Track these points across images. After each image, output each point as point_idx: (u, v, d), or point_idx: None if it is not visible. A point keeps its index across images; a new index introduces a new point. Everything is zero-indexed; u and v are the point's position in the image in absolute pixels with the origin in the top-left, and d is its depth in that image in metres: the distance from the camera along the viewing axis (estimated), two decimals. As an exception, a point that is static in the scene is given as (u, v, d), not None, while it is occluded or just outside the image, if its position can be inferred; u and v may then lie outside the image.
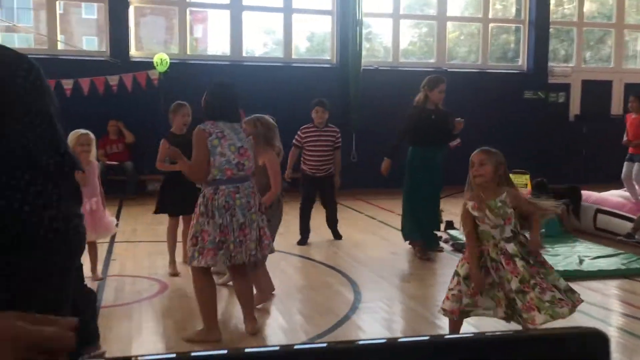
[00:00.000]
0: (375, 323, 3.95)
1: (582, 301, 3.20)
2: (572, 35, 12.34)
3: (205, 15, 12.88)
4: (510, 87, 11.51)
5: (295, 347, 0.57)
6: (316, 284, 4.78)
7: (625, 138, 7.20)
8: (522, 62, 11.90)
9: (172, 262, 5.00)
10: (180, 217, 5.06)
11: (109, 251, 5.72)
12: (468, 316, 3.28)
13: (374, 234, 6.85)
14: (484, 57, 11.75)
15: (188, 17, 10.50)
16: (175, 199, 4.94)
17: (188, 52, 10.48)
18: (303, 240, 6.24)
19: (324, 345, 0.57)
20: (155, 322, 3.96)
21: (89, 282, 4.65)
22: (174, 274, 4.92)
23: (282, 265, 5.34)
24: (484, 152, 3.28)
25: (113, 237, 5.89)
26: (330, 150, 6.20)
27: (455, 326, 3.32)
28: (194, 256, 3.44)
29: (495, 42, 12.17)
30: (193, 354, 0.56)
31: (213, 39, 12.45)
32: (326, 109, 6.26)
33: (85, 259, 4.81)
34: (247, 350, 0.55)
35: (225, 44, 10.83)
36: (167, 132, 5.24)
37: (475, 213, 3.20)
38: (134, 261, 5.38)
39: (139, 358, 0.56)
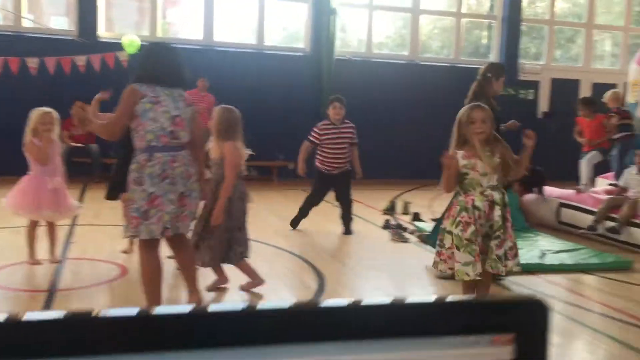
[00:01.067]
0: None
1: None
2: (543, 33, 12.48)
3: (179, -2, 12.65)
4: (481, 82, 11.59)
5: (258, 307, 0.55)
6: (280, 273, 4.74)
7: (581, 138, 7.53)
8: (493, 58, 11.98)
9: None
10: None
11: (69, 234, 5.59)
12: (453, 276, 3.42)
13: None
14: (456, 51, 11.82)
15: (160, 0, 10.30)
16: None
17: (159, 35, 10.30)
18: (295, 222, 6.26)
19: (286, 305, 0.54)
20: (113, 306, 3.87)
21: (47, 264, 4.55)
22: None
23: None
24: (481, 109, 3.38)
25: (74, 219, 5.76)
26: (346, 147, 6.04)
27: (467, 292, 3.51)
28: (126, 227, 3.30)
29: (468, 37, 12.24)
30: (156, 311, 0.52)
31: (186, 23, 12.25)
32: (343, 105, 6.02)
33: (44, 240, 4.69)
34: (210, 309, 0.52)
35: (198, 29, 10.67)
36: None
37: (465, 162, 3.35)
38: (95, 245, 5.25)
39: (100, 313, 0.53)
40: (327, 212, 6.69)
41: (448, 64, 11.73)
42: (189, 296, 3.60)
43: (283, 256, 5.29)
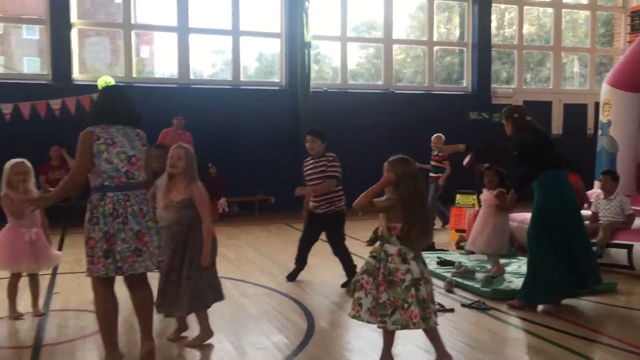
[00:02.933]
0: (329, 352, 3.90)
1: None
2: (513, 57, 12.77)
3: (152, 36, 12.70)
4: (455, 107, 11.78)
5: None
6: (269, 314, 4.69)
7: None
8: (466, 83, 12.21)
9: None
10: None
11: (52, 284, 5.48)
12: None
13: (328, 258, 6.79)
14: (429, 78, 12.02)
15: (133, 39, 10.33)
16: None
17: (134, 75, 10.30)
18: (292, 275, 5.77)
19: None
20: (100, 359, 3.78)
21: (30, 318, 4.44)
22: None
23: (234, 293, 5.23)
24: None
25: (55, 268, 5.66)
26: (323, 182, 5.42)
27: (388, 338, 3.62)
28: (88, 266, 3.28)
29: (441, 64, 12.46)
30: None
31: (160, 61, 12.28)
32: (317, 137, 5.43)
33: (26, 293, 4.59)
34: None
35: (172, 66, 10.70)
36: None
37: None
38: (78, 294, 5.15)
39: None
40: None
41: (422, 91, 11.91)
42: (141, 346, 3.48)
43: (270, 296, 5.24)
